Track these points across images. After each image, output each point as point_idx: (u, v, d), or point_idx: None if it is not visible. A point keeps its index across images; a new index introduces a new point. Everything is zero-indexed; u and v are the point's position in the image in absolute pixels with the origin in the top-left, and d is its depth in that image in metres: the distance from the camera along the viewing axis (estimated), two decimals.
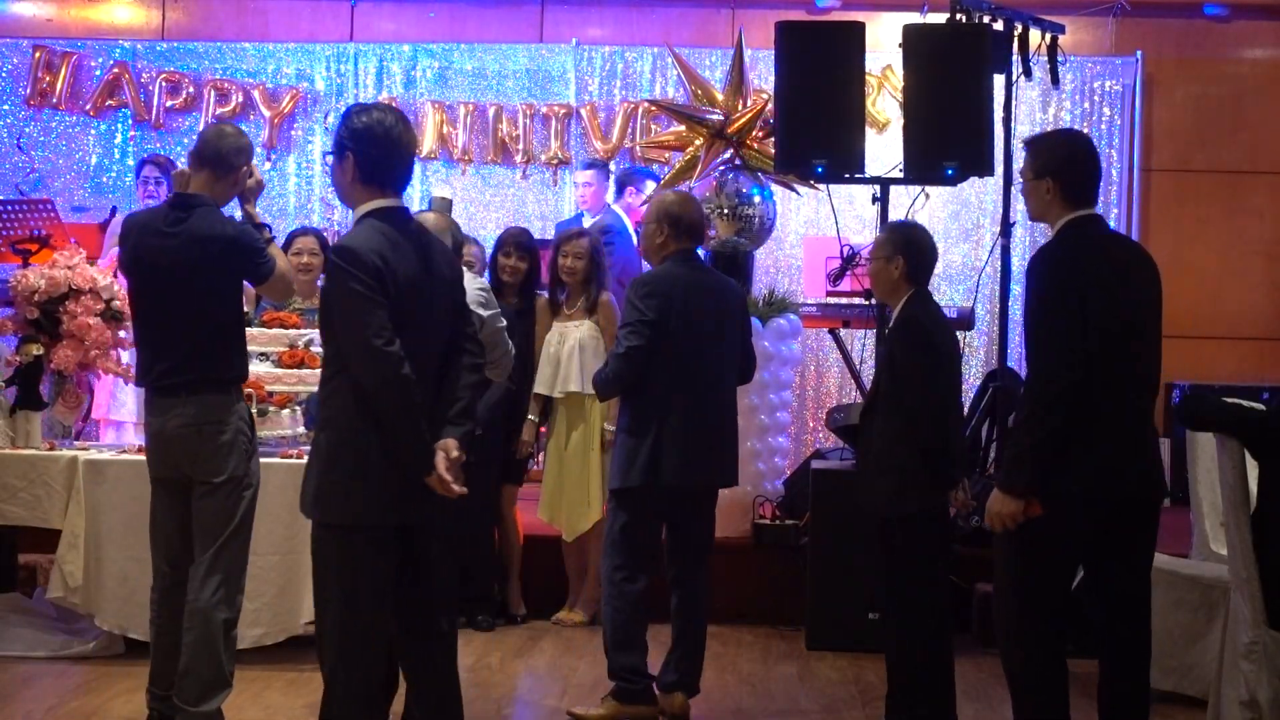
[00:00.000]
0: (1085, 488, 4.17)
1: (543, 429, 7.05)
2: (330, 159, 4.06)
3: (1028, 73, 7.71)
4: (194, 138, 9.63)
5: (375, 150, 3.94)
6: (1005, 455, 4.41)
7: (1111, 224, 9.55)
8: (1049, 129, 9.68)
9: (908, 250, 5.20)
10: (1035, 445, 4.15)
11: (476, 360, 4.08)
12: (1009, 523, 4.19)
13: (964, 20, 7.36)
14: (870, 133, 7.88)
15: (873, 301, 7.15)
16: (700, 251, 8.31)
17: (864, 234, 7.90)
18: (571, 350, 6.81)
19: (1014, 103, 7.63)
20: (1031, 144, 4.47)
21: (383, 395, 3.83)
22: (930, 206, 8.03)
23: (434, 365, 3.98)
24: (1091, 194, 4.35)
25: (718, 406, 5.44)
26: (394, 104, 9.78)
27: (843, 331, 8.31)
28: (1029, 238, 9.30)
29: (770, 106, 7.67)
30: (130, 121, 10.00)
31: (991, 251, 8.38)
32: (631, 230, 8.21)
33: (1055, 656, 4.31)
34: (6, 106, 10.01)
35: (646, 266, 6.04)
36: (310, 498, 3.96)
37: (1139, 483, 4.26)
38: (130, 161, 9.65)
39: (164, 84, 9.94)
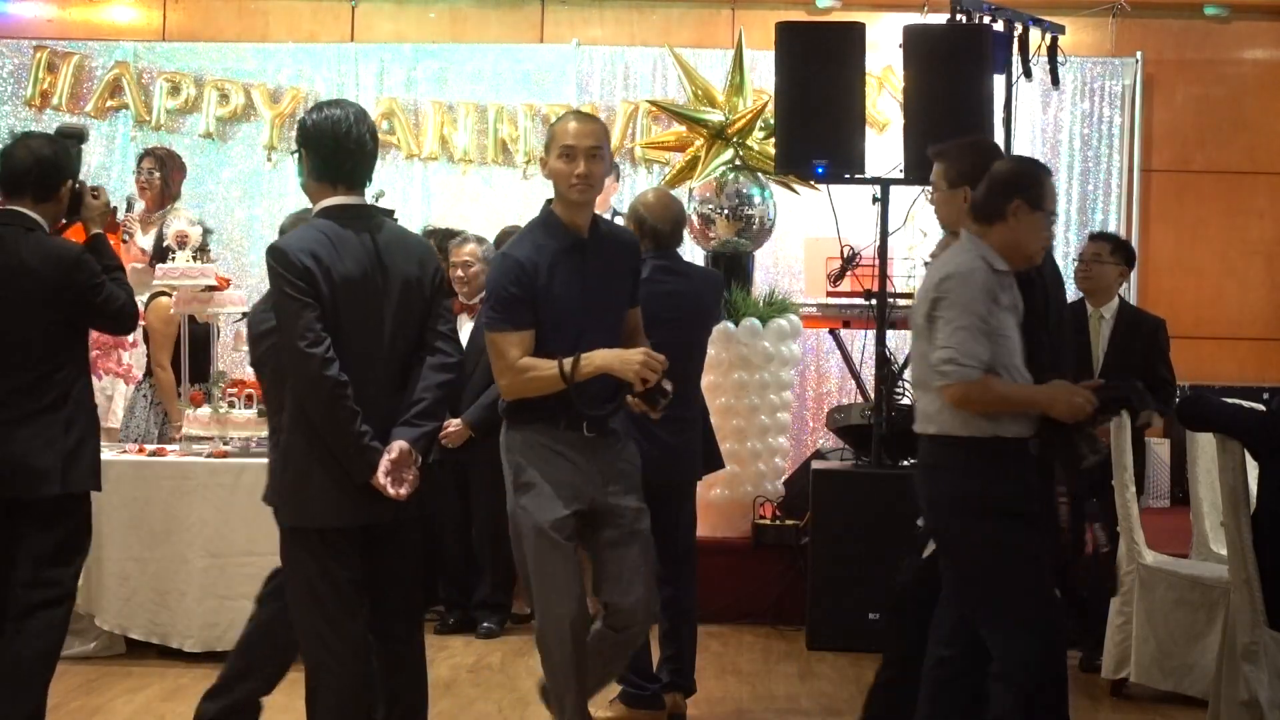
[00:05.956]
0: None
1: None
2: (295, 158, 4.07)
3: (1028, 73, 7.71)
4: (195, 138, 9.80)
5: (324, 147, 3.95)
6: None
7: (1112, 225, 9.60)
8: (1046, 130, 9.73)
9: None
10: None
11: (448, 360, 4.01)
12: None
13: (964, 20, 7.36)
14: (870, 133, 7.87)
15: (873, 301, 7.15)
16: (702, 252, 8.30)
17: (864, 234, 7.87)
18: None
19: (1014, 103, 7.63)
20: (945, 154, 4.70)
21: (308, 396, 3.83)
22: (930, 207, 8.02)
23: (391, 365, 3.94)
24: None
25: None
26: (395, 103, 9.80)
27: (843, 331, 8.31)
28: None
29: (770, 107, 7.67)
30: (131, 123, 10.00)
31: None
32: None
33: None
34: (7, 107, 9.99)
35: None
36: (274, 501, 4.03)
37: None
38: (131, 162, 9.63)
39: (165, 85, 9.94)
